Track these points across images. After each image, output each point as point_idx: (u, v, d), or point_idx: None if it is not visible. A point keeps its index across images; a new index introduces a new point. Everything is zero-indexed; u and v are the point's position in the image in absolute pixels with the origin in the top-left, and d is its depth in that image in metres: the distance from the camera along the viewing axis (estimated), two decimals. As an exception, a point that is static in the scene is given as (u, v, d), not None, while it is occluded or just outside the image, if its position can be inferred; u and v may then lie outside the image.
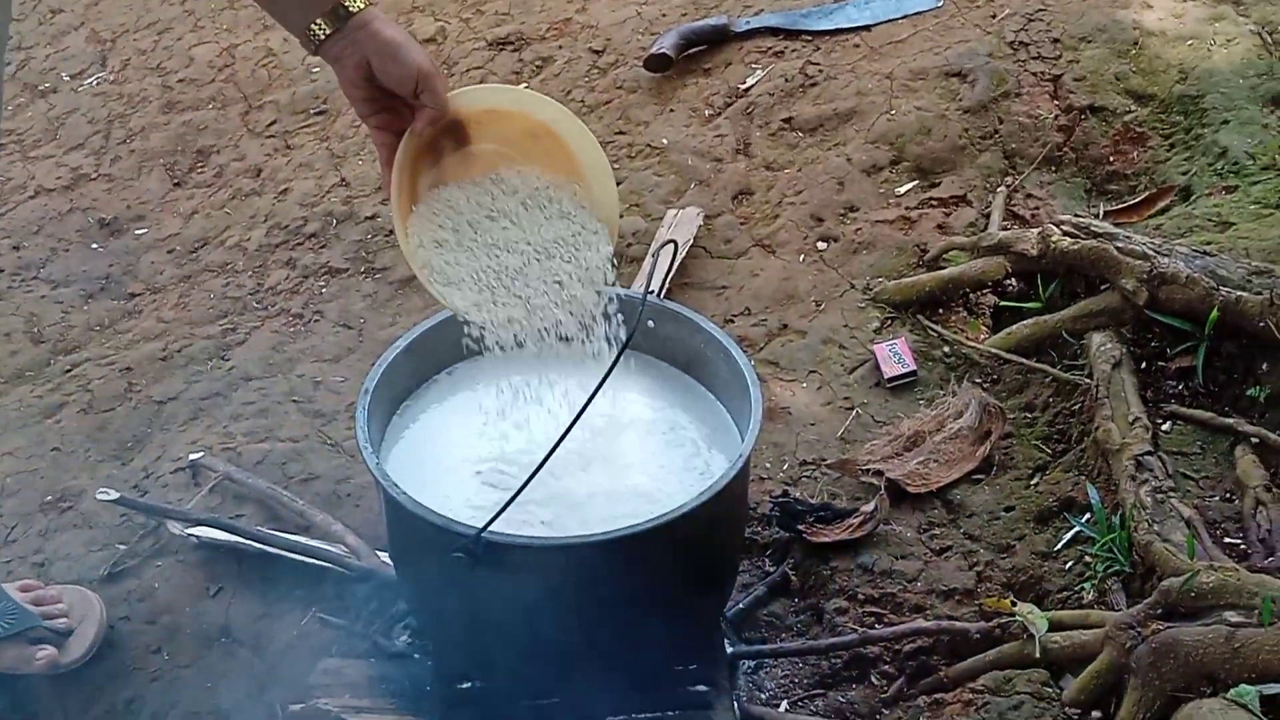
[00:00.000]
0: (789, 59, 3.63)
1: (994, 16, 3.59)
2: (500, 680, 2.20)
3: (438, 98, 2.00)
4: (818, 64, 3.59)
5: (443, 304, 2.09)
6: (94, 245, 3.48)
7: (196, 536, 2.65)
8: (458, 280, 2.09)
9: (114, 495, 2.68)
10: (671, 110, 3.58)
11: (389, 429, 2.20)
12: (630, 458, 2.15)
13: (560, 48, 3.83)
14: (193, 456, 2.82)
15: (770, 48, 3.68)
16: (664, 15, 3.87)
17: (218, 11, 4.29)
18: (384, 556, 2.49)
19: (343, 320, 3.18)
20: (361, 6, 2.00)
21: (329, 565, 2.56)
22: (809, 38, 3.69)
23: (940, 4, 3.70)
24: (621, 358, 1.95)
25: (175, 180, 3.68)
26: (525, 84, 3.72)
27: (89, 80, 4.10)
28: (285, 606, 2.55)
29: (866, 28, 3.68)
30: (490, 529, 1.89)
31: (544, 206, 2.14)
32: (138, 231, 3.52)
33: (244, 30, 4.19)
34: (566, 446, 1.90)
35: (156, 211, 3.58)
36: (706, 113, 3.55)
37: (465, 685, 2.23)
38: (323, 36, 2.00)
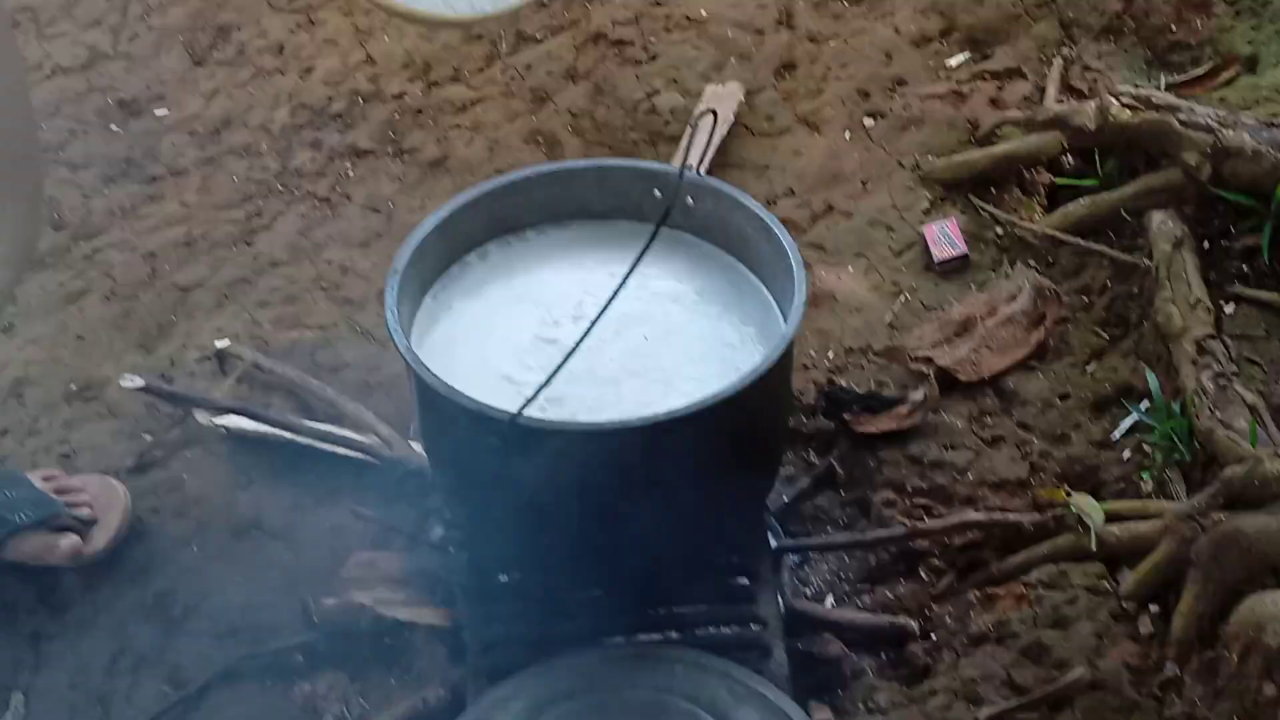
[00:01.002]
0: (833, -75, 3.57)
1: None
2: (538, 573, 2.23)
3: None
4: (862, -70, 3.53)
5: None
6: (113, 126, 3.45)
7: (225, 426, 2.67)
8: None
9: (140, 382, 2.70)
10: (711, -20, 3.52)
11: (420, 312, 2.21)
12: (670, 339, 2.16)
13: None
14: (219, 344, 2.83)
15: (813, -89, 3.62)
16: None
17: None
18: (417, 446, 2.51)
19: (370, 203, 3.17)
20: None
21: (361, 456, 2.57)
22: (855, -99, 3.62)
23: None
24: (661, 237, 1.94)
25: (195, 58, 3.64)
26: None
27: (104, -46, 4.06)
28: (317, 498, 2.57)
29: (914, -109, 3.62)
30: (525, 413, 1.89)
31: None
32: (158, 112, 3.49)
33: None
34: (604, 327, 1.90)
35: (176, 91, 3.55)
36: (746, -18, 3.50)
37: (502, 578, 2.26)
38: None
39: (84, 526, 2.49)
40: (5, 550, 2.46)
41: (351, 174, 3.25)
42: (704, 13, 3.43)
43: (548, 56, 3.42)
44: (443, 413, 2.04)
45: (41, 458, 2.67)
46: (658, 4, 3.48)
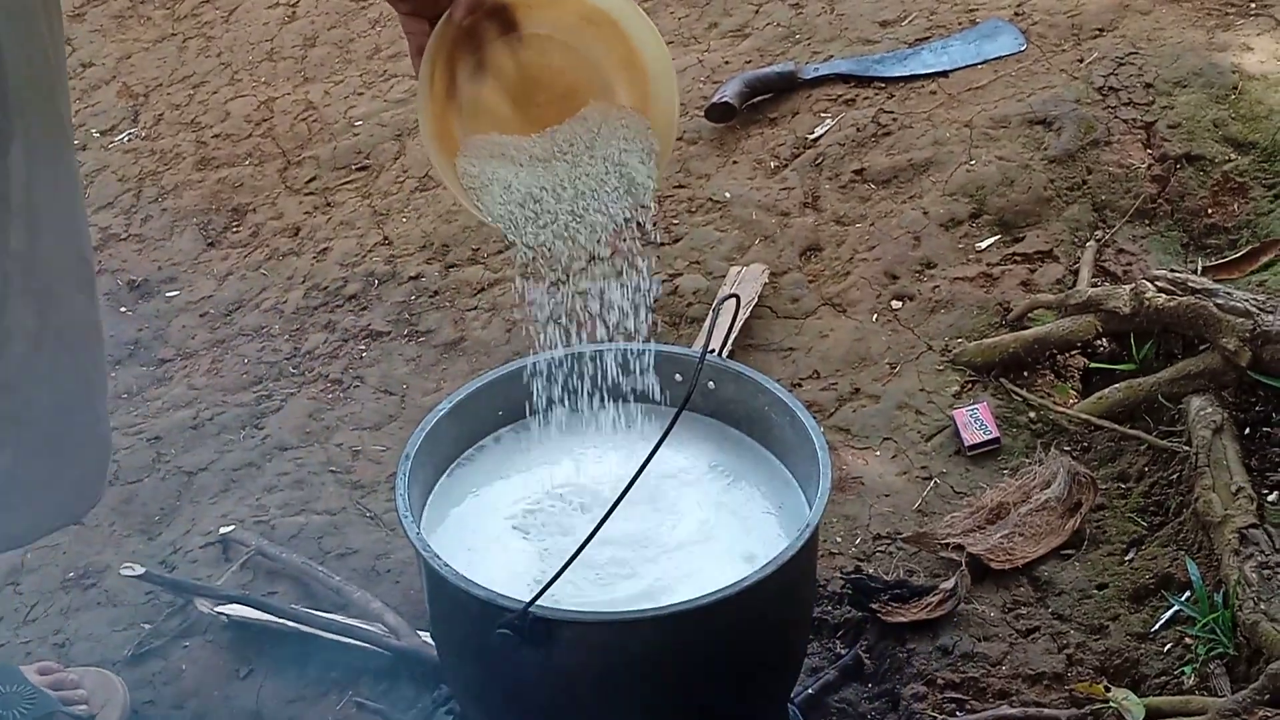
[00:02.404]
0: (860, 107, 3.64)
1: (1081, 60, 3.59)
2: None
3: None
4: (891, 112, 3.60)
5: (473, 212, 2.06)
6: (123, 309, 3.51)
7: (226, 615, 2.65)
8: (488, 185, 2.06)
9: (140, 570, 2.69)
10: (735, 162, 3.59)
11: (431, 499, 2.20)
12: (689, 525, 2.14)
13: (617, 97, 3.86)
14: (223, 530, 2.84)
15: (840, 95, 3.70)
16: (727, 62, 3.89)
17: (255, 64, 4.35)
18: (425, 636, 2.49)
19: (384, 386, 3.20)
20: None
21: (367, 645, 2.56)
22: (882, 85, 3.70)
23: (1023, 48, 3.70)
24: (679, 420, 1.95)
25: (209, 240, 3.71)
26: (578, 136, 3.74)
27: (120, 136, 4.17)
28: (320, 690, 2.54)
29: (944, 74, 3.69)
30: (538, 603, 1.88)
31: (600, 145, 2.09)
32: (169, 294, 3.56)
33: (283, 83, 4.25)
34: (621, 513, 1.90)
35: (189, 273, 3.62)
36: (772, 164, 3.57)
37: None
38: None
39: (79, 721, 2.48)
40: (-3, 743, 2.46)
41: (365, 356, 3.29)
42: (728, 195, 3.49)
43: (567, 240, 3.46)
44: (453, 601, 2.01)
45: (37, 647, 2.66)
46: (680, 186, 3.54)
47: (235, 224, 3.76)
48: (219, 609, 2.66)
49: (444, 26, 1.95)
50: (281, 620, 2.62)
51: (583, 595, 1.99)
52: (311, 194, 3.80)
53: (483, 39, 2.03)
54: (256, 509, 2.90)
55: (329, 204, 3.75)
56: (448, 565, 1.97)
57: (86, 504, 2.23)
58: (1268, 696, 2.19)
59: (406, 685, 2.49)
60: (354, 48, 4.34)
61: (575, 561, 1.87)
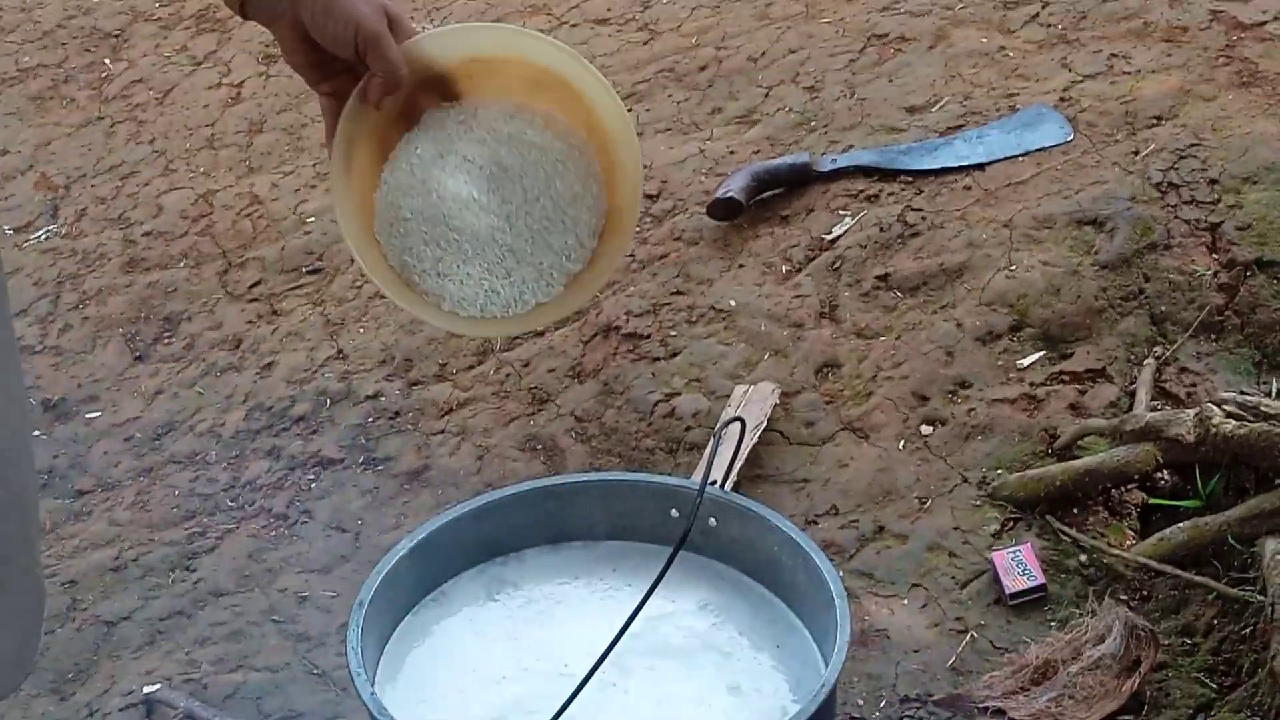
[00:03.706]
0: (885, 204, 3.66)
1: (1136, 153, 3.62)
2: None
3: (386, 61, 1.97)
4: (920, 210, 3.62)
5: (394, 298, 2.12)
6: (36, 432, 3.50)
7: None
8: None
9: (50, 735, 2.68)
10: (741, 266, 3.61)
11: (387, 651, 2.19)
12: (684, 688, 2.13)
13: (605, 193, 3.89)
14: (147, 689, 2.82)
15: (862, 191, 3.72)
16: (732, 152, 3.92)
17: (193, 152, 4.38)
18: (379, 815, 2.48)
19: (336, 522, 3.20)
20: None
21: (311, 825, 2.55)
22: (909, 179, 3.72)
23: (1071, 138, 3.73)
24: (675, 562, 1.95)
25: (136, 354, 3.72)
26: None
27: (37, 234, 4.19)
28: None
29: (979, 166, 3.71)
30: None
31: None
32: (89, 415, 3.56)
33: (224, 174, 4.28)
34: (602, 674, 1.90)
35: (113, 391, 3.62)
36: (784, 268, 3.59)
37: None
38: None
39: None
40: None
41: (314, 487, 3.28)
42: (733, 303, 3.50)
43: (550, 351, 3.48)
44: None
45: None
46: (679, 293, 3.56)
47: (167, 335, 3.77)
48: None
49: (355, 108, 2.00)
50: (213, 796, 2.61)
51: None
52: (255, 300, 3.81)
53: (417, 117, 2.07)
54: (186, 665, 2.89)
55: (275, 312, 3.77)
56: (409, 730, 1.97)
57: (22, 673, 2.16)
58: None
59: None
60: (306, 134, 4.37)
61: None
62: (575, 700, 1.88)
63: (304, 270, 3.90)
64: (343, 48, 1.96)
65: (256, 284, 3.88)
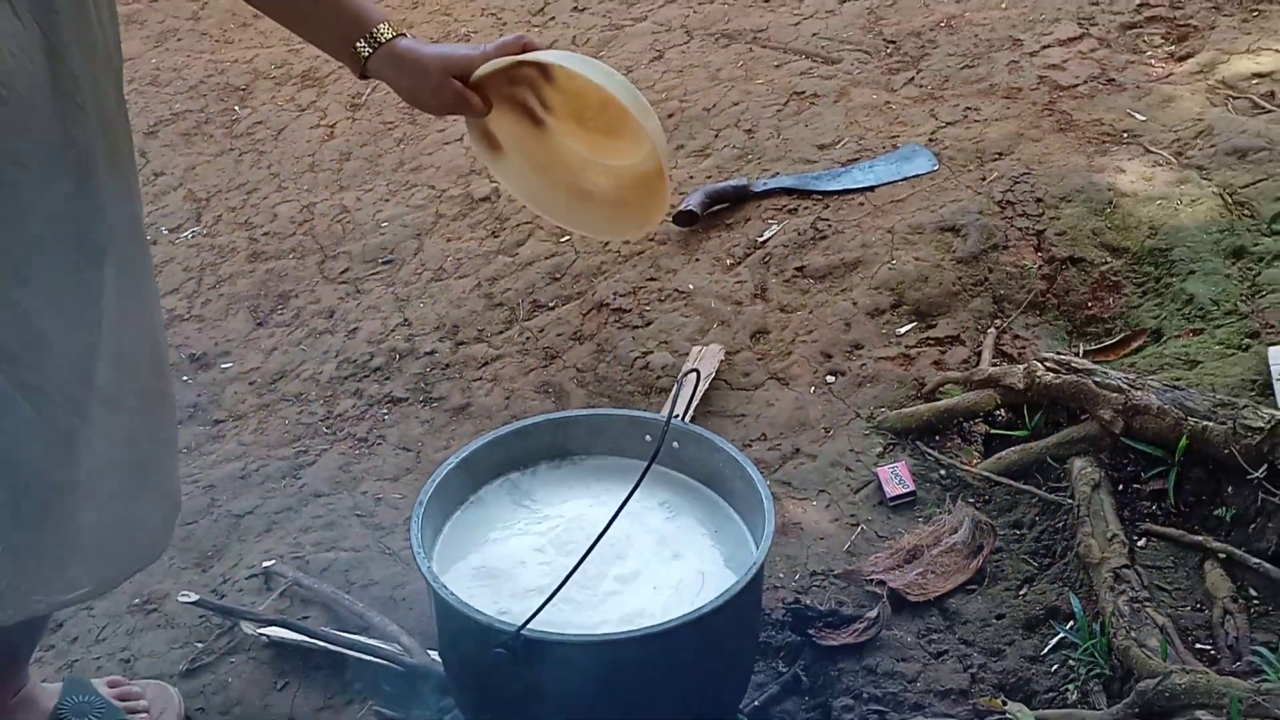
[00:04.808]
0: (801, 215, 3.66)
1: (983, 179, 3.63)
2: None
3: (471, 113, 2.00)
4: (827, 220, 3.62)
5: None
6: (185, 378, 3.51)
7: (267, 636, 2.64)
8: None
9: (194, 598, 2.70)
10: (697, 259, 3.61)
11: (441, 537, 2.21)
12: (654, 563, 2.15)
13: (600, 205, 3.88)
14: (265, 564, 2.83)
15: (785, 205, 3.72)
16: (691, 177, 3.92)
17: (299, 174, 4.37)
18: (434, 655, 2.49)
19: (402, 444, 3.20)
20: (389, 36, 1.97)
21: (385, 662, 2.55)
22: (819, 197, 3.72)
23: (936, 168, 3.74)
24: (647, 473, 1.95)
25: (258, 321, 3.72)
26: (567, 237, 3.76)
27: (185, 234, 4.17)
28: (345, 699, 2.53)
29: (870, 188, 3.71)
30: (528, 627, 1.89)
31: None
32: (223, 366, 3.56)
33: (322, 190, 4.26)
34: (598, 551, 1.91)
35: (240, 348, 3.62)
36: (728, 262, 3.58)
37: None
38: (365, 56, 1.97)
39: (140, 729, 2.46)
40: (68, 747, 2.43)
41: (387, 419, 3.28)
42: (691, 287, 3.50)
43: (558, 321, 3.49)
44: (457, 625, 2.03)
45: (105, 662, 2.65)
46: (652, 279, 3.55)
47: (280, 307, 3.76)
48: (260, 630, 2.65)
49: (469, 120, 2.03)
50: (313, 640, 2.61)
51: (565, 619, 1.98)
52: (344, 283, 3.81)
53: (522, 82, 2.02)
54: (294, 546, 2.90)
55: (359, 291, 3.76)
56: (453, 594, 1.98)
57: (157, 551, 2.20)
58: (1137, 710, 2.20)
59: (418, 697, 2.47)
60: (382, 162, 4.36)
61: (561, 590, 1.88)
62: (576, 572, 1.90)
63: (380, 261, 3.88)
64: (439, 111, 2.02)
65: (345, 271, 3.86)
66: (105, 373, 1.93)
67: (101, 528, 2.03)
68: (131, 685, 2.52)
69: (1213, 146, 3.59)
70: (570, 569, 1.89)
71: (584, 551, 1.90)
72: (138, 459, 2.06)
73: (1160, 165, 3.56)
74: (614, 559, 2.12)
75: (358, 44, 1.97)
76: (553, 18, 5.02)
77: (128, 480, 2.05)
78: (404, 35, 1.99)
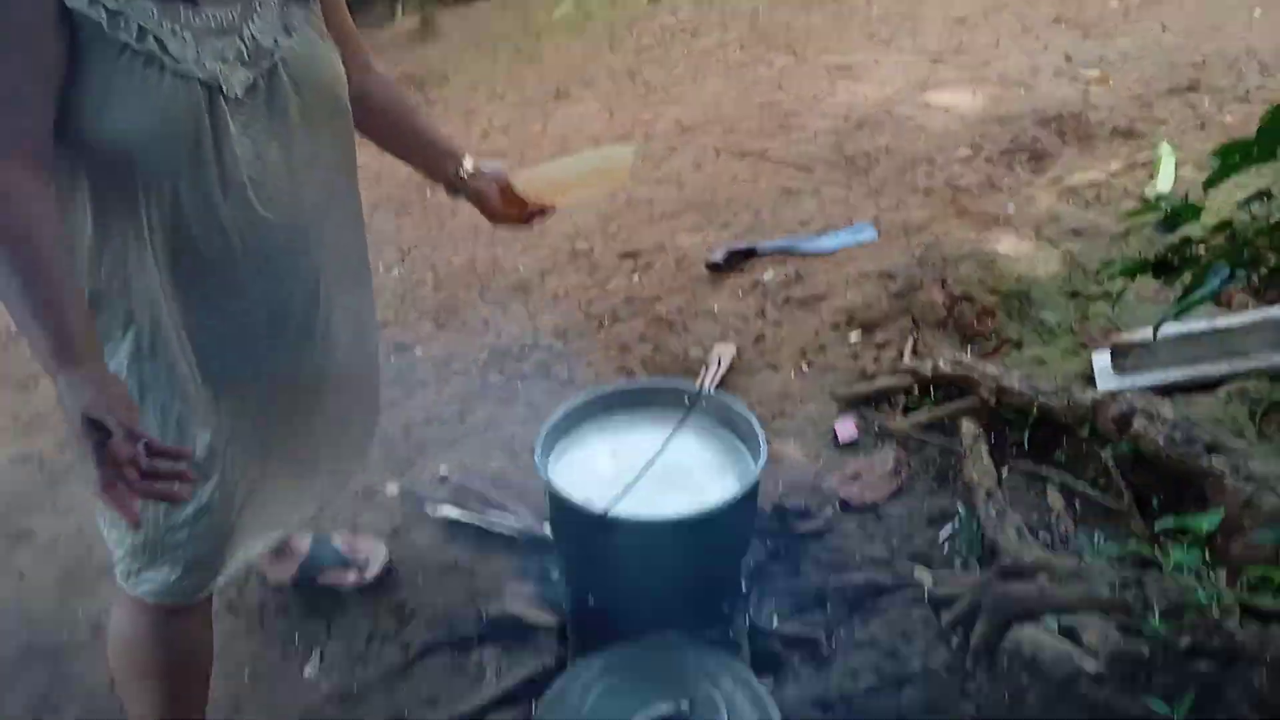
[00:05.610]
0: (788, 266, 3.66)
1: (908, 245, 3.63)
2: (612, 599, 2.20)
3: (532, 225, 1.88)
4: (805, 269, 3.62)
5: None
6: (391, 358, 3.47)
7: (443, 514, 2.68)
8: None
9: (396, 490, 2.73)
10: (720, 292, 3.61)
11: (553, 455, 2.21)
12: (691, 473, 2.17)
13: (657, 257, 3.90)
14: (442, 471, 2.86)
15: (778, 259, 3.72)
16: (718, 240, 3.92)
17: (467, 235, 4.34)
18: (546, 529, 2.52)
19: (529, 403, 3.19)
20: (470, 170, 1.84)
21: (516, 533, 2.59)
22: (800, 255, 3.72)
23: (877, 238, 3.74)
24: (687, 420, 1.98)
25: (439, 324, 3.72)
26: (637, 276, 3.76)
27: (394, 271, 4.19)
28: (491, 553, 2.56)
29: (833, 250, 3.71)
30: (610, 512, 1.92)
31: None
32: (416, 351, 3.55)
33: (480, 246, 4.24)
34: (655, 467, 1.94)
35: (426, 342, 3.60)
36: (740, 293, 3.59)
37: (590, 601, 2.23)
38: (461, 179, 1.85)
39: (361, 566, 2.51)
40: (319, 578, 2.49)
41: (520, 388, 3.27)
42: (716, 309, 3.50)
43: (630, 329, 3.48)
44: (563, 508, 2.05)
45: (340, 525, 2.69)
46: (690, 304, 3.55)
47: (452, 318, 3.76)
48: (439, 511, 2.69)
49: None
50: (473, 518, 2.65)
51: (632, 508, 2.00)
52: (495, 304, 3.78)
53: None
54: (461, 460, 2.92)
55: (504, 310, 3.73)
56: (561, 488, 2.00)
57: (367, 456, 2.12)
58: (999, 575, 2.20)
59: (536, 554, 2.51)
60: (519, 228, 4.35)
61: (631, 489, 1.91)
62: (640, 479, 1.92)
63: (516, 289, 3.86)
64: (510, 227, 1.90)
65: (494, 296, 3.85)
66: (335, 319, 1.81)
67: (360, 431, 2.01)
68: (355, 539, 2.57)
69: (1059, 227, 3.58)
70: (637, 475, 1.91)
71: (645, 464, 1.92)
72: (367, 378, 2.01)
73: (1025, 239, 3.56)
74: (667, 471, 2.12)
75: (453, 171, 1.84)
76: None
77: (367, 394, 2.02)
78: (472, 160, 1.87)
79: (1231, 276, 1.40)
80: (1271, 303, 2.93)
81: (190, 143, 1.41)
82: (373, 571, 2.50)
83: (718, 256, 3.71)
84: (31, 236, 1.28)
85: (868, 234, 3.77)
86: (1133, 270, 1.48)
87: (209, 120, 1.43)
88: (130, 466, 1.22)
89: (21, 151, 1.30)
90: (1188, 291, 1.43)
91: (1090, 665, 1.89)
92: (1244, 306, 2.94)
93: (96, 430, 1.23)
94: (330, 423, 1.89)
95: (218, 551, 1.71)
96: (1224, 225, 1.44)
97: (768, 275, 3.64)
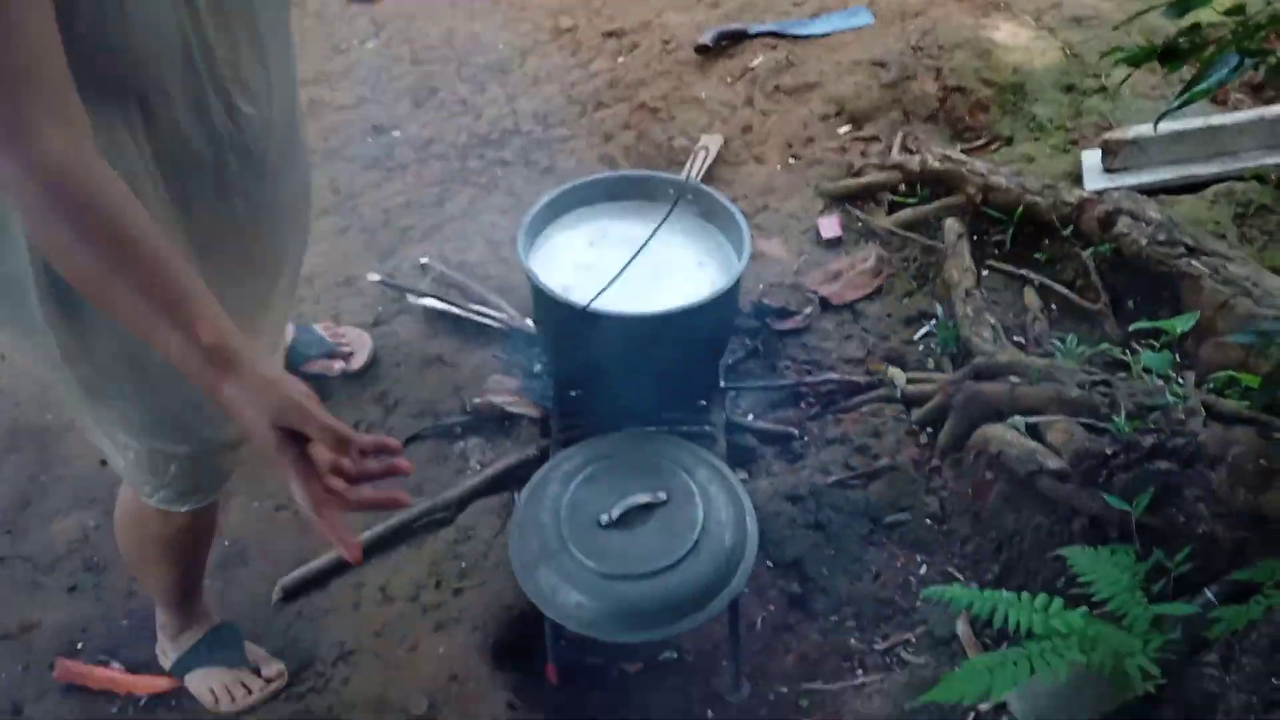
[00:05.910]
0: (779, 51, 3.51)
1: (903, 30, 3.48)
2: (593, 390, 2.25)
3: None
4: (796, 54, 3.48)
5: None
6: (369, 139, 3.45)
7: (424, 304, 2.68)
8: None
9: (378, 278, 2.73)
10: (708, 77, 3.49)
11: (534, 245, 2.21)
12: (674, 267, 2.16)
13: (644, 38, 3.74)
14: (422, 260, 2.84)
15: (769, 43, 3.56)
16: (707, 20, 3.75)
17: (444, 9, 4.15)
18: (529, 321, 2.54)
19: (510, 191, 3.16)
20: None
21: (499, 325, 2.60)
22: (792, 39, 3.57)
23: (872, 22, 3.58)
24: (673, 212, 1.95)
25: (416, 104, 3.63)
26: (622, 58, 3.64)
27: (369, 44, 4.02)
28: (474, 345, 2.59)
29: (826, 34, 3.55)
30: (591, 305, 1.92)
31: None
32: (394, 133, 3.49)
33: (460, 19, 4.07)
34: (639, 259, 1.92)
35: (405, 122, 3.54)
36: (728, 80, 3.47)
37: (573, 393, 2.28)
38: None
39: (346, 356, 2.53)
40: (303, 367, 2.50)
41: (500, 174, 3.23)
42: (703, 95, 3.40)
43: (613, 115, 3.39)
44: (545, 301, 2.05)
45: (322, 315, 2.71)
46: (676, 89, 3.44)
47: (431, 97, 3.63)
48: (420, 301, 2.69)
49: None
50: (454, 308, 2.65)
51: (620, 298, 2.00)
52: (473, 83, 3.65)
53: None
54: (440, 250, 2.90)
55: (483, 89, 3.61)
56: (542, 280, 2.00)
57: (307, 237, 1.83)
58: (971, 374, 2.25)
59: (518, 346, 2.53)
60: (501, 2, 4.17)
61: (614, 282, 1.90)
62: (623, 273, 1.91)
63: (497, 69, 3.73)
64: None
65: (474, 74, 3.69)
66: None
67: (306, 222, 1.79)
68: (339, 329, 2.59)
69: (1060, 14, 3.43)
70: (620, 269, 1.90)
71: (629, 258, 1.91)
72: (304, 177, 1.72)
73: (1024, 27, 3.41)
74: (649, 264, 2.12)
75: None
76: None
77: (304, 192, 1.74)
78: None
79: (1240, 64, 1.32)
80: (1269, 101, 2.85)
81: (183, 55, 1.20)
82: (360, 361, 2.52)
83: (707, 38, 3.55)
84: (126, 222, 0.99)
85: (863, 17, 3.60)
86: (1138, 58, 1.39)
87: (190, 26, 1.21)
88: (335, 474, 1.02)
89: (67, 119, 1.02)
90: (1195, 81, 1.36)
91: (1053, 463, 1.95)
92: (1239, 105, 2.86)
93: (293, 442, 1.01)
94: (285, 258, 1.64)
95: (232, 459, 1.57)
96: (1237, 8, 1.34)
97: (757, 61, 3.50)
